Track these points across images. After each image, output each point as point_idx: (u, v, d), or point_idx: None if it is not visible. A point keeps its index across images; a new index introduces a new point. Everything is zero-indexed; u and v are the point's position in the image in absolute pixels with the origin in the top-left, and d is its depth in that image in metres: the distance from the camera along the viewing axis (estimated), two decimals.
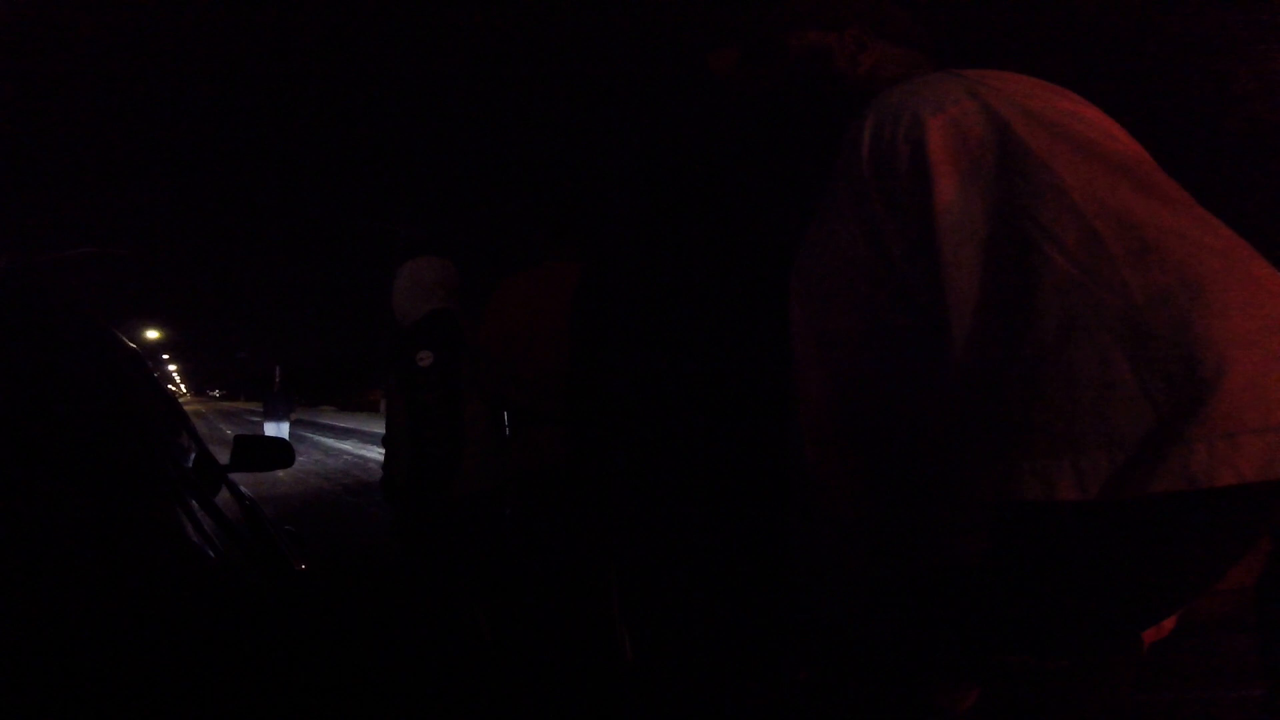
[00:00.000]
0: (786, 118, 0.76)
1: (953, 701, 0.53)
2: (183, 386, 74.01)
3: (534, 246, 2.09)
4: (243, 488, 1.73)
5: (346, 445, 14.58)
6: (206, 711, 0.62)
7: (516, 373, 1.98)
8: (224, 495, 1.26)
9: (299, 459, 2.43)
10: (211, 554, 0.79)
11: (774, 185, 0.91)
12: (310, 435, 17.23)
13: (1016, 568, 0.48)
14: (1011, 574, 0.48)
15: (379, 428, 10.72)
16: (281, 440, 1.96)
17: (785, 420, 0.68)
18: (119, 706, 0.58)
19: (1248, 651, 0.56)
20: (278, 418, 12.24)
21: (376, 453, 12.03)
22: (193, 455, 1.27)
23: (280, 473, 6.84)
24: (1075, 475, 0.41)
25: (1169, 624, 0.52)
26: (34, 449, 0.77)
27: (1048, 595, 0.46)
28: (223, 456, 1.74)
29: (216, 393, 77.37)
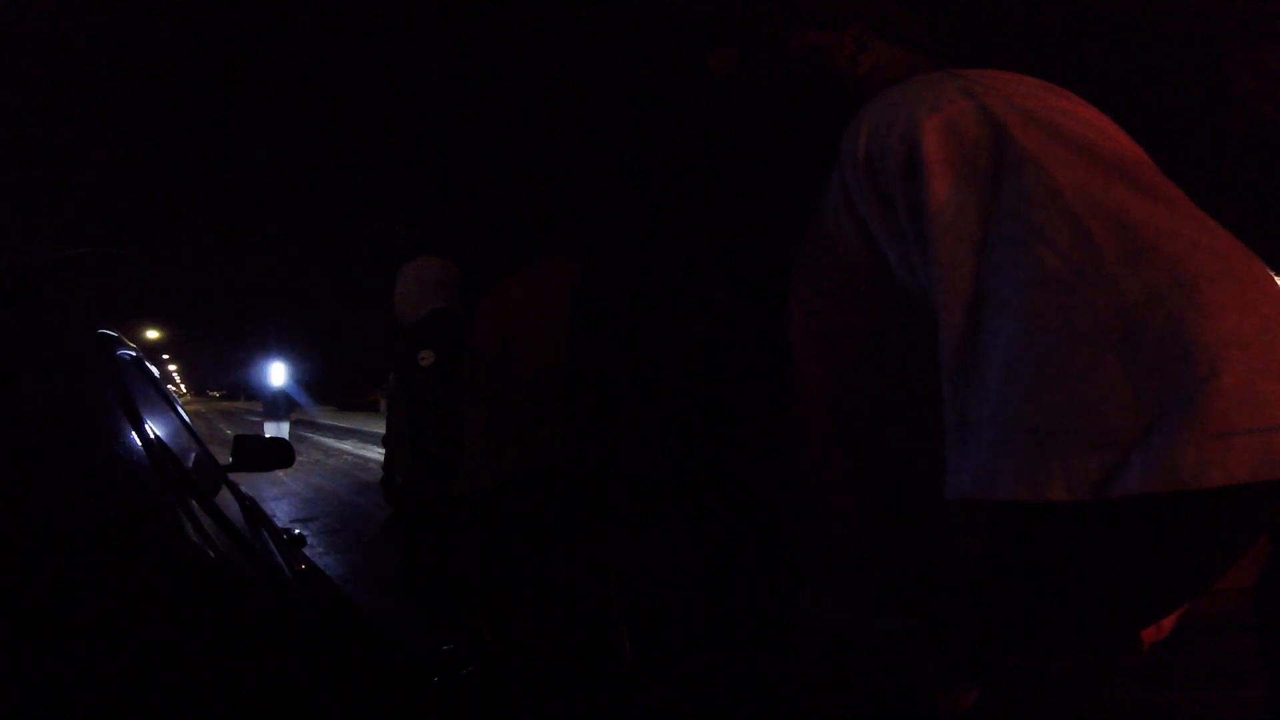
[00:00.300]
0: (786, 118, 0.76)
1: (953, 701, 0.53)
2: (183, 386, 73.99)
3: (531, 246, 2.09)
4: (242, 488, 1.73)
5: (346, 445, 14.58)
6: (206, 712, 0.62)
7: (515, 373, 1.98)
8: (224, 495, 1.26)
9: (298, 459, 2.43)
10: (211, 554, 0.79)
11: (774, 185, 0.91)
12: (310, 435, 17.24)
13: (1014, 568, 0.48)
14: (1010, 574, 0.48)
15: (378, 428, 10.78)
16: (281, 440, 1.96)
17: (785, 420, 0.68)
18: (119, 707, 0.58)
19: (1248, 651, 0.56)
20: (278, 418, 12.26)
21: (376, 453, 12.04)
22: (193, 455, 1.27)
23: (280, 473, 6.85)
24: (1065, 476, 0.41)
25: (1169, 624, 0.52)
26: (33, 449, 0.77)
27: (1046, 595, 0.46)
28: (223, 456, 1.74)
29: (216, 393, 77.38)
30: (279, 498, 7.55)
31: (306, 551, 1.84)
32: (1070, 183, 0.46)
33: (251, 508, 1.43)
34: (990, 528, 0.51)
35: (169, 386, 1.67)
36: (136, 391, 1.01)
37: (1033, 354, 0.43)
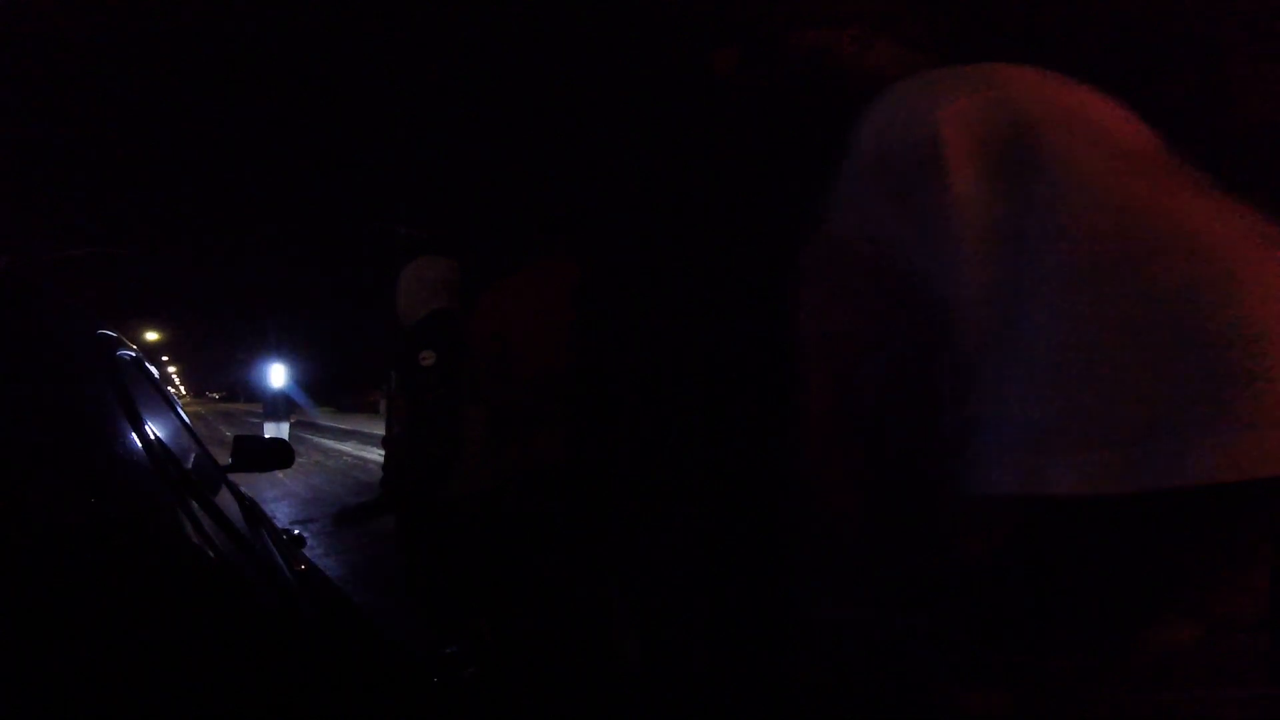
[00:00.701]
0: (787, 118, 0.76)
1: (953, 701, 0.53)
2: (182, 388, 73.89)
3: (531, 245, 2.09)
4: (242, 488, 1.73)
5: (346, 446, 14.57)
6: (207, 712, 0.62)
7: (515, 373, 1.98)
8: (224, 495, 1.25)
9: (298, 460, 2.44)
10: (211, 554, 0.79)
11: (775, 185, 0.91)
12: (310, 436, 17.21)
13: (1019, 566, 0.48)
14: (1014, 572, 0.48)
15: (378, 429, 10.79)
16: (281, 441, 1.96)
17: (786, 420, 0.67)
18: (119, 707, 0.58)
19: (1247, 651, 0.56)
20: (277, 419, 12.27)
21: (376, 454, 12.02)
22: (193, 455, 1.26)
23: (280, 474, 6.84)
24: (1077, 471, 0.41)
25: (1175, 623, 0.52)
26: (33, 449, 0.77)
27: (1050, 594, 0.46)
28: (223, 457, 1.74)
29: (215, 395, 77.28)
30: (279, 498, 7.54)
31: (306, 552, 1.84)
32: (1092, 174, 0.45)
33: (251, 508, 1.43)
34: (995, 525, 0.51)
35: (168, 388, 1.66)
36: (136, 391, 1.01)
37: (1050, 350, 0.43)
